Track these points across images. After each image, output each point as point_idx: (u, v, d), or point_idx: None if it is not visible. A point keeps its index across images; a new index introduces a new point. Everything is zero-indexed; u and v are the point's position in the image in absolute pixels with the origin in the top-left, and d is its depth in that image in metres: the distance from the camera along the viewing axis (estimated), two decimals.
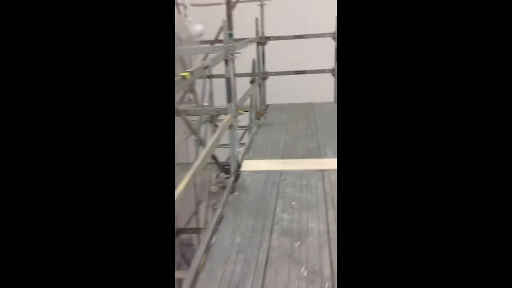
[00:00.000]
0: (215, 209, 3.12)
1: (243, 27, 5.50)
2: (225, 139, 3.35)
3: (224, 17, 3.21)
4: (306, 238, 2.35)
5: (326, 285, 1.95)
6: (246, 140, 5.52)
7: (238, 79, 5.31)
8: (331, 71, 5.66)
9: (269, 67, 5.80)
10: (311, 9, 7.00)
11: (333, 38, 5.47)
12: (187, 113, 3.54)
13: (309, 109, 5.45)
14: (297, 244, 2.30)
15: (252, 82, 5.09)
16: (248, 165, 3.52)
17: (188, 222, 6.05)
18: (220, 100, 4.04)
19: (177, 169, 3.36)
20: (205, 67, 2.74)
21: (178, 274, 3.69)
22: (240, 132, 6.05)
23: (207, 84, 6.15)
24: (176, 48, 3.41)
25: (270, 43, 5.72)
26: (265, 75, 5.79)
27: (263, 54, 5.71)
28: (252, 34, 5.36)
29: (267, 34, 5.67)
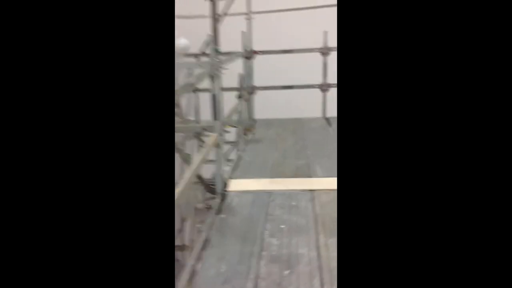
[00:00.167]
0: (200, 232, 2.99)
1: (231, 40, 5.42)
2: (212, 155, 3.23)
3: (210, 31, 3.11)
4: (296, 265, 2.23)
5: None
6: (233, 156, 5.40)
7: (225, 93, 5.23)
8: (320, 86, 5.58)
9: (257, 82, 5.70)
10: (299, 23, 6.95)
11: (322, 53, 5.40)
12: None
13: (297, 124, 5.36)
14: (287, 272, 2.18)
15: (239, 97, 4.98)
16: (236, 185, 3.39)
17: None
18: (206, 115, 3.94)
19: None
20: (190, 86, 2.62)
21: None
22: (227, 148, 5.94)
23: (193, 98, 6.03)
24: None
25: (258, 57, 5.63)
26: (252, 90, 5.69)
27: (251, 68, 5.61)
28: (239, 48, 5.27)
29: (254, 48, 5.58)
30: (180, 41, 5.28)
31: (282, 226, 2.66)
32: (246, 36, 5.44)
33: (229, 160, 5.37)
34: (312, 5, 6.70)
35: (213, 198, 3.59)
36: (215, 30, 3.25)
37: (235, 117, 4.69)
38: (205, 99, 5.10)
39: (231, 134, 5.08)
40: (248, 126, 5.17)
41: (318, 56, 5.46)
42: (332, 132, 4.91)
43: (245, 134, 4.97)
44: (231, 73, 4.71)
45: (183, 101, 5.63)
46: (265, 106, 5.88)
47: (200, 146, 4.20)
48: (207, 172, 4.23)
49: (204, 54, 5.08)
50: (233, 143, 5.38)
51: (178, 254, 6.31)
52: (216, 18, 3.33)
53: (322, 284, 2.04)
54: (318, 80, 5.56)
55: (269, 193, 3.19)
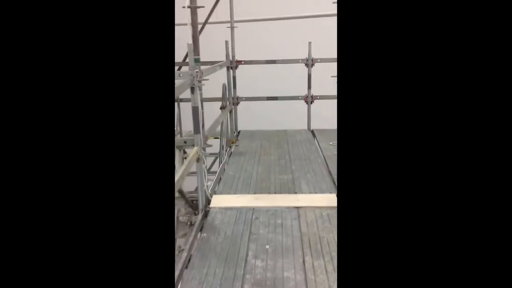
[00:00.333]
0: (180, 251, 2.85)
1: (213, 50, 5.31)
2: (195, 167, 3.09)
3: (190, 40, 2.99)
4: None
5: None
6: (216, 167, 5.27)
7: (208, 104, 5.11)
8: (304, 98, 5.50)
9: (240, 92, 5.59)
10: (283, 33, 6.89)
11: (306, 64, 5.33)
12: None
13: (282, 136, 5.26)
14: None
15: (222, 108, 4.86)
16: (218, 201, 3.26)
17: None
18: (189, 125, 3.81)
19: None
20: None
21: None
22: (210, 160, 5.81)
23: (175, 108, 5.90)
24: None
25: (241, 67, 5.52)
26: (236, 101, 5.57)
27: (234, 78, 5.50)
28: (222, 58, 5.16)
29: (238, 58, 5.47)
30: None
31: (267, 247, 2.54)
32: (229, 46, 5.34)
33: (212, 173, 5.25)
34: (296, 15, 6.66)
35: (195, 214, 3.46)
36: (195, 39, 3.14)
37: (218, 129, 4.56)
38: (188, 108, 4.98)
39: (215, 145, 4.96)
40: (231, 138, 5.05)
41: (302, 67, 5.38)
42: (317, 145, 4.82)
43: (229, 146, 4.85)
44: (214, 83, 4.60)
45: None
46: (249, 118, 5.78)
47: (184, 158, 4.07)
48: (190, 184, 4.11)
49: (185, 63, 4.94)
50: (217, 155, 5.26)
51: None
52: (196, 27, 3.21)
53: None
54: (303, 91, 5.48)
55: (253, 209, 3.06)
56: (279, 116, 6.17)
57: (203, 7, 3.41)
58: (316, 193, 3.34)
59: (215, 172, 4.55)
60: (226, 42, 5.22)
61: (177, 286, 2.19)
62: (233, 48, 5.42)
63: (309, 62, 5.31)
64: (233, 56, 5.42)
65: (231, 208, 3.10)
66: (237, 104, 5.61)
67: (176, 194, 3.43)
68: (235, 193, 3.43)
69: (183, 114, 5.54)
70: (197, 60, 3.14)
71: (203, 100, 4.60)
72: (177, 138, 3.48)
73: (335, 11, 1.20)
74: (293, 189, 3.45)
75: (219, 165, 4.42)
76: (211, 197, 3.31)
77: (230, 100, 5.26)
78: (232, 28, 5.46)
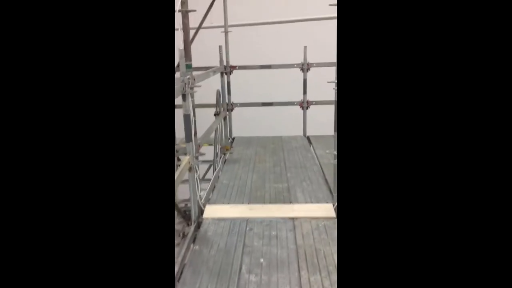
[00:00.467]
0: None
1: (208, 55, 5.21)
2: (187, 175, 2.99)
3: (181, 45, 2.89)
4: None
5: None
6: (210, 175, 5.17)
7: (202, 110, 5.01)
8: (299, 103, 5.41)
9: (234, 98, 5.49)
10: (278, 38, 6.81)
11: (301, 69, 5.24)
12: None
13: (277, 143, 5.17)
14: None
15: (216, 114, 4.77)
16: (212, 211, 3.16)
17: None
18: (182, 132, 3.72)
19: None
20: None
21: None
22: (204, 167, 5.70)
23: None
24: None
25: (235, 73, 5.43)
26: (230, 107, 5.48)
27: (228, 84, 5.41)
28: (216, 63, 5.06)
29: (232, 63, 5.38)
30: None
31: (261, 260, 2.44)
32: (223, 51, 5.25)
33: (206, 180, 5.14)
34: (291, 19, 6.58)
35: (188, 224, 3.35)
36: (186, 45, 3.04)
37: (212, 135, 4.47)
38: (180, 115, 4.88)
39: (209, 152, 4.86)
40: (225, 144, 4.96)
41: (298, 72, 5.29)
42: (313, 152, 4.73)
43: (223, 153, 4.75)
44: (208, 89, 4.51)
45: None
46: (244, 124, 5.69)
47: (178, 165, 3.96)
48: (184, 191, 4.00)
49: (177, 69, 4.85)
50: (211, 162, 5.16)
51: None
52: (187, 31, 3.12)
53: None
54: (298, 97, 5.39)
55: (247, 220, 2.96)
56: (274, 122, 6.07)
57: (194, 11, 3.30)
58: (312, 202, 3.24)
59: (209, 180, 4.45)
60: (220, 47, 5.13)
61: None
62: (227, 53, 5.33)
63: (305, 67, 5.22)
64: (227, 61, 5.33)
65: (224, 219, 3.00)
66: (232, 110, 5.51)
67: None
68: (229, 203, 3.33)
69: (175, 120, 5.44)
70: (188, 66, 3.05)
71: (196, 106, 4.51)
72: None
73: (332, 14, 1.19)
74: (288, 198, 3.35)
75: (213, 173, 4.33)
76: (204, 207, 3.21)
77: (224, 107, 5.16)
78: (226, 32, 5.37)
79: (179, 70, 2.90)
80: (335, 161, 2.92)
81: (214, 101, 4.87)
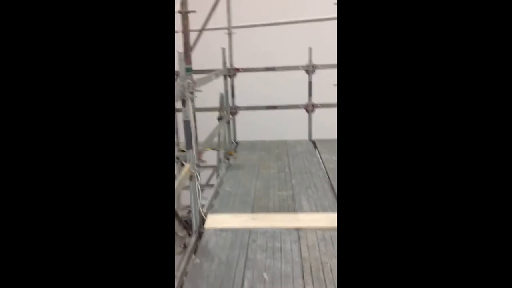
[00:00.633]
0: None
1: (210, 57, 5.10)
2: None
3: (180, 47, 2.79)
4: None
5: None
6: (214, 181, 5.06)
7: (205, 114, 4.90)
8: (305, 106, 5.28)
9: (238, 101, 5.37)
10: (282, 39, 6.68)
11: (306, 71, 5.12)
12: None
13: (282, 147, 5.04)
14: None
15: (220, 119, 4.65)
16: (213, 221, 3.04)
17: None
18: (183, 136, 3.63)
19: None
20: None
21: None
22: (208, 172, 5.60)
23: None
24: None
25: (239, 75, 5.31)
26: (234, 110, 5.36)
27: (232, 87, 5.29)
28: (219, 65, 4.95)
29: (236, 65, 5.26)
30: None
31: (264, 275, 2.32)
32: (227, 53, 5.13)
33: (209, 186, 5.04)
34: (295, 19, 6.45)
35: (189, 235, 3.24)
36: (186, 47, 2.93)
37: (215, 140, 4.36)
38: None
39: (212, 157, 4.76)
40: (229, 149, 4.84)
41: (303, 74, 5.16)
42: (319, 157, 4.60)
43: (226, 158, 4.64)
44: (212, 91, 4.40)
45: None
46: (248, 128, 5.57)
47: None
48: (186, 198, 3.89)
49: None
50: (214, 167, 5.05)
51: None
52: (187, 33, 3.00)
53: None
54: (303, 99, 5.26)
55: (250, 231, 2.85)
56: (278, 126, 5.95)
57: (194, 12, 3.19)
58: (317, 211, 3.12)
59: (212, 185, 4.35)
60: (223, 49, 5.01)
61: None
62: (231, 56, 5.22)
63: (310, 69, 5.10)
64: (231, 64, 5.22)
65: (226, 230, 2.89)
66: (236, 114, 5.40)
67: None
68: (231, 211, 3.21)
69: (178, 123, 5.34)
70: (188, 70, 2.93)
71: (199, 110, 4.40)
72: None
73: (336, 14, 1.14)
74: (293, 207, 3.22)
75: (216, 178, 4.22)
76: (206, 216, 3.09)
77: (227, 110, 5.05)
78: (229, 34, 5.27)
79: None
80: None
81: (217, 104, 4.76)
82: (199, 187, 2.98)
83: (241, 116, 5.45)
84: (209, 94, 3.94)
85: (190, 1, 3.14)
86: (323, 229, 2.79)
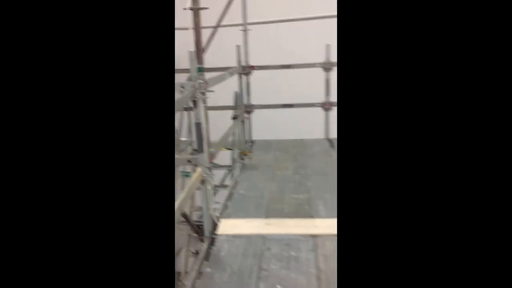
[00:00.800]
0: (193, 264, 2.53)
1: (224, 55, 4.98)
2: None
3: (192, 46, 2.67)
4: None
5: None
6: (228, 181, 4.95)
7: (220, 112, 4.80)
8: (322, 104, 5.13)
9: (254, 100, 5.25)
10: (299, 36, 6.52)
11: (324, 68, 4.96)
12: None
13: (298, 147, 4.90)
14: None
15: (234, 118, 4.54)
16: (226, 226, 2.93)
17: None
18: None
19: None
20: (181, 103, 2.17)
21: None
22: (222, 172, 5.49)
23: (185, 117, 5.59)
24: None
25: (255, 73, 5.18)
26: (249, 109, 5.24)
27: (248, 85, 5.17)
28: (234, 63, 4.82)
29: (251, 63, 5.13)
30: None
31: (278, 287, 2.20)
32: (242, 50, 5.00)
33: (223, 186, 4.93)
34: (313, 15, 6.28)
35: (201, 240, 3.14)
36: (198, 45, 2.81)
37: (230, 139, 4.24)
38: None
39: (227, 157, 4.65)
40: (244, 149, 4.73)
41: (320, 71, 5.01)
42: (336, 157, 4.45)
43: (241, 158, 4.53)
44: (227, 89, 4.28)
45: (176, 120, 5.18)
46: (263, 126, 5.44)
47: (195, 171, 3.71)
48: (199, 199, 3.80)
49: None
50: (229, 167, 4.94)
51: None
52: (199, 31, 2.88)
53: None
54: (320, 98, 5.11)
55: (263, 237, 2.73)
56: (295, 124, 5.80)
57: (207, 8, 3.07)
58: (334, 217, 2.98)
59: (226, 186, 4.24)
60: (238, 46, 4.88)
61: None
62: (246, 53, 5.09)
63: (327, 66, 4.94)
64: (247, 61, 5.09)
65: (240, 236, 2.77)
66: (251, 112, 5.28)
67: (180, 219, 3.12)
68: (245, 215, 3.10)
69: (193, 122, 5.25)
70: (200, 69, 2.80)
71: (212, 108, 4.28)
72: (179, 157, 3.13)
73: None
74: (309, 212, 3.09)
75: (230, 179, 4.10)
76: (219, 221, 2.99)
77: (242, 109, 4.93)
78: (245, 31, 5.13)
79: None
80: None
81: (231, 102, 4.65)
82: (211, 191, 2.87)
83: (256, 114, 5.33)
84: (223, 92, 3.83)
85: None
86: None
